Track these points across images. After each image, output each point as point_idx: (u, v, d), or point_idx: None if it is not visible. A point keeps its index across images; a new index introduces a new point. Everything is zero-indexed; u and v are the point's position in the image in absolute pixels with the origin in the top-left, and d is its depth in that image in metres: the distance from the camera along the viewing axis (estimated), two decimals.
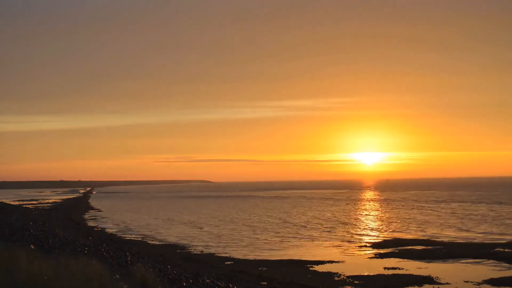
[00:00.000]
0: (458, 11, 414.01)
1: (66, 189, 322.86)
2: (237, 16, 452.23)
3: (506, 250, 37.13)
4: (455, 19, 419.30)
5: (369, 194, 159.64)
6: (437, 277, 27.67)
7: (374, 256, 36.51)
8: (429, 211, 79.56)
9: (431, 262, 33.14)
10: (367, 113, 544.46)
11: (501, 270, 30.10)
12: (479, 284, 26.43)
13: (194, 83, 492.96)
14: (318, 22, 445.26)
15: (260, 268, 31.38)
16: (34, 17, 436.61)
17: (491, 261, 32.87)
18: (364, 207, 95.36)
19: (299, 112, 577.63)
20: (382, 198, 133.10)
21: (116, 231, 57.73)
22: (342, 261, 34.37)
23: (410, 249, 39.40)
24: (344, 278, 28.41)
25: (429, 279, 27.29)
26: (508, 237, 45.41)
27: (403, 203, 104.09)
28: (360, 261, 34.54)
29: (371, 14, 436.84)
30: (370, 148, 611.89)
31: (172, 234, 54.08)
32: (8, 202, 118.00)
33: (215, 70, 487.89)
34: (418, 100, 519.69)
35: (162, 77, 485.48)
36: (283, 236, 50.08)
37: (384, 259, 34.82)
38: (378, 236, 49.38)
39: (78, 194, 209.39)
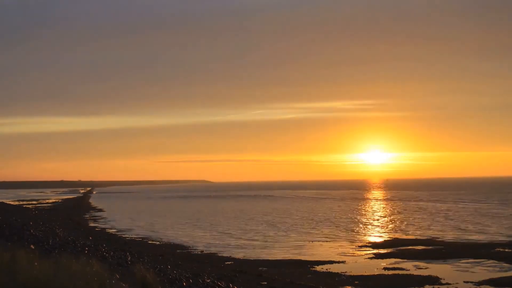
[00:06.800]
0: (465, 25, 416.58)
1: (66, 189, 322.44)
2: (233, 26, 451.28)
3: (506, 250, 37.15)
4: (461, 31, 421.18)
5: (371, 194, 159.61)
6: (437, 277, 27.67)
7: (374, 256, 36.51)
8: (429, 211, 79.55)
9: (431, 262, 33.13)
10: (371, 115, 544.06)
11: (501, 270, 30.11)
12: (479, 284, 26.43)
13: (194, 85, 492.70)
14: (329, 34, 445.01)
15: (260, 268, 31.37)
16: (32, 19, 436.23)
17: (491, 261, 32.87)
18: (364, 207, 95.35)
19: (300, 114, 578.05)
20: (383, 198, 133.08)
21: (116, 231, 57.73)
22: (342, 261, 34.37)
23: (410, 249, 39.41)
24: (344, 278, 28.41)
25: (429, 279, 27.28)
26: (508, 237, 45.44)
27: (404, 203, 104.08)
28: (360, 261, 34.54)
29: (385, 26, 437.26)
30: (374, 149, 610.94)
31: (172, 234, 54.09)
32: (8, 202, 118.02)
33: (216, 73, 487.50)
34: (422, 103, 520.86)
35: (163, 79, 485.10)
36: (283, 236, 50.07)
37: (384, 259, 34.83)
38: (378, 236, 49.41)
39: (78, 194, 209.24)
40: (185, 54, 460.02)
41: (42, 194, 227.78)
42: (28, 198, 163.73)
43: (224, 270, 29.77)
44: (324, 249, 40.60)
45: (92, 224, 66.99)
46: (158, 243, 46.49)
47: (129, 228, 61.51)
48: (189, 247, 43.13)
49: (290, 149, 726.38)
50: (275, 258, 35.96)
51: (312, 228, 57.72)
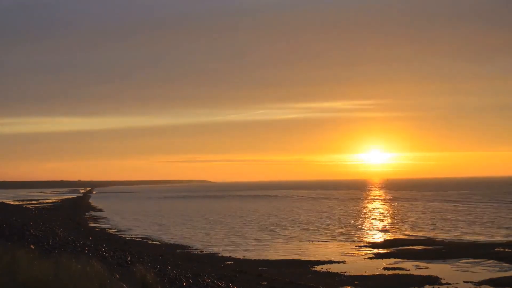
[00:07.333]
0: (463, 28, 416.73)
1: (66, 189, 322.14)
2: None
3: (506, 250, 37.17)
4: (462, 32, 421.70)
5: (371, 194, 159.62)
6: (437, 277, 27.68)
7: (374, 256, 36.53)
8: (429, 211, 79.56)
9: (431, 262, 33.15)
10: (371, 115, 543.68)
11: (501, 270, 30.13)
12: (479, 284, 26.45)
13: (195, 86, 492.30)
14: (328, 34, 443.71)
15: (260, 268, 31.38)
16: (34, 22, 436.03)
17: (491, 261, 32.90)
18: (364, 207, 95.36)
19: (301, 114, 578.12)
20: (383, 198, 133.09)
21: (116, 231, 57.74)
22: (342, 261, 34.38)
23: (410, 249, 39.42)
24: (344, 278, 28.42)
25: (429, 279, 27.29)
26: (508, 237, 45.45)
27: (404, 203, 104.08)
28: (360, 261, 34.55)
29: (391, 26, 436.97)
30: (374, 149, 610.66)
31: (172, 234, 54.10)
32: (8, 202, 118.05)
33: (216, 73, 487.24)
34: (422, 103, 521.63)
35: (163, 80, 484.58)
36: (284, 236, 50.09)
37: (384, 259, 34.84)
38: (378, 236, 49.43)
39: (78, 194, 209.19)
40: (185, 54, 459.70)
41: (42, 194, 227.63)
42: (28, 198, 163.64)
43: (224, 270, 29.77)
44: (324, 249, 40.61)
45: (92, 224, 66.99)
46: (158, 243, 46.49)
47: (129, 228, 61.53)
48: (189, 247, 43.13)
49: (291, 149, 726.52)
50: (275, 258, 35.96)
51: (312, 228, 57.70)
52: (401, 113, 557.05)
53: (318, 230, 54.86)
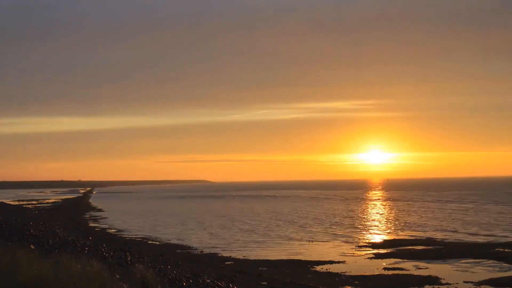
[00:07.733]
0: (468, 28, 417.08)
1: (66, 189, 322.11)
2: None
3: (506, 250, 37.17)
4: (462, 35, 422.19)
5: (371, 194, 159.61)
6: (437, 277, 27.67)
7: (374, 256, 36.53)
8: (429, 211, 79.58)
9: (431, 262, 33.15)
10: (371, 115, 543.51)
11: (501, 270, 30.12)
12: (479, 284, 26.45)
13: (193, 87, 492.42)
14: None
15: (260, 268, 31.37)
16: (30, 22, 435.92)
17: (491, 261, 32.89)
18: (364, 207, 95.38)
19: (301, 114, 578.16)
20: (383, 198, 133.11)
21: (116, 231, 57.74)
22: (342, 261, 34.38)
23: (410, 249, 39.42)
24: (344, 278, 28.42)
25: (429, 279, 27.28)
26: (508, 237, 45.46)
27: (403, 203, 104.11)
28: (360, 261, 34.55)
29: (388, 28, 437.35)
30: (374, 149, 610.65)
31: (172, 234, 54.10)
32: (8, 202, 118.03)
33: (217, 73, 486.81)
34: (421, 103, 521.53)
35: (163, 80, 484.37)
36: (283, 236, 50.09)
37: (384, 259, 34.84)
38: (378, 236, 49.43)
39: (78, 194, 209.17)
40: (185, 54, 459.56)
41: (42, 194, 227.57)
42: (28, 198, 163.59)
43: (224, 270, 29.78)
44: (324, 249, 40.62)
45: (92, 224, 66.98)
46: (158, 243, 46.49)
47: (129, 228, 61.52)
48: (189, 247, 43.14)
49: (291, 149, 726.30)
50: (275, 258, 35.95)
51: (313, 228, 57.72)
52: (401, 113, 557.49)
53: (318, 230, 54.87)
